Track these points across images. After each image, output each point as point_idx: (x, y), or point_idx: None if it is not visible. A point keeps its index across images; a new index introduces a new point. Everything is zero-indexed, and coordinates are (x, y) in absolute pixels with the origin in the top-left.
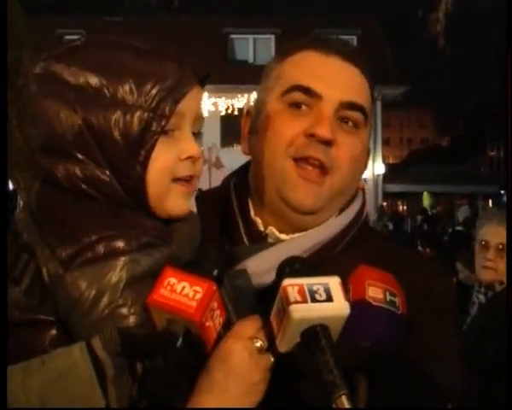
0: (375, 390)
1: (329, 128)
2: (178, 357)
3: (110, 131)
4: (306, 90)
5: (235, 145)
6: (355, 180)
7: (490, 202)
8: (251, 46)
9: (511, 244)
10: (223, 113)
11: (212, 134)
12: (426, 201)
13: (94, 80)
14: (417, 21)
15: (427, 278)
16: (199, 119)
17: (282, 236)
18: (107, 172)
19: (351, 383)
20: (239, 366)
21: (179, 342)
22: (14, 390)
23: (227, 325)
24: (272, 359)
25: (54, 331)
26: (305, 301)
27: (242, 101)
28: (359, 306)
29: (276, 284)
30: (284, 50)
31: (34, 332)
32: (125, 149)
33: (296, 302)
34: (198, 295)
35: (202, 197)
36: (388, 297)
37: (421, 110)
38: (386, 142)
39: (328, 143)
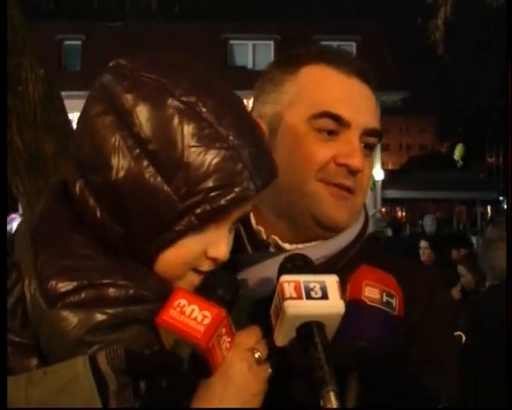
0: (366, 390)
1: (361, 158)
2: (182, 381)
3: (149, 186)
4: (337, 118)
5: None
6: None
7: (488, 208)
8: (250, 52)
9: (511, 244)
10: None
11: None
12: (458, 153)
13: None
14: (417, 28)
15: (428, 290)
16: (237, 221)
17: (286, 245)
18: (123, 229)
19: (342, 382)
20: (238, 378)
21: (185, 365)
22: (16, 400)
23: None
24: (270, 370)
25: (37, 356)
26: (300, 298)
27: None
28: (355, 305)
29: (277, 279)
30: (294, 60)
31: (18, 354)
32: (150, 217)
33: (291, 298)
34: (206, 320)
35: None
36: (385, 298)
37: (421, 116)
38: (385, 148)
39: (358, 172)
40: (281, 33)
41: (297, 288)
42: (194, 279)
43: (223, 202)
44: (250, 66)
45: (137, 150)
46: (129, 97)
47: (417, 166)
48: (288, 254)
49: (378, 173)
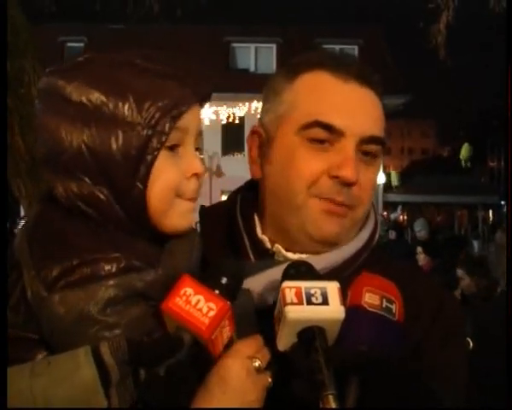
0: (366, 394)
1: (354, 170)
2: (180, 368)
3: (109, 148)
4: (328, 127)
5: (235, 154)
6: (370, 204)
7: (490, 212)
8: (252, 55)
9: (511, 244)
10: (224, 121)
11: (214, 142)
12: (464, 152)
13: (94, 97)
14: (419, 32)
15: (439, 298)
16: (200, 135)
17: (289, 254)
18: (105, 190)
19: (343, 385)
20: (237, 385)
21: (185, 351)
22: (21, 389)
23: (228, 343)
24: (270, 379)
25: (42, 350)
26: (300, 303)
27: (243, 109)
28: (355, 311)
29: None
30: (293, 67)
31: (21, 349)
32: (124, 166)
33: (292, 304)
34: (211, 313)
35: (206, 213)
36: (385, 304)
37: (423, 120)
38: (387, 151)
39: (352, 185)
40: (283, 36)
41: (298, 293)
42: (186, 205)
43: (174, 112)
44: (252, 69)
45: (84, 118)
46: (60, 82)
47: (419, 170)
48: (291, 262)
49: (379, 177)
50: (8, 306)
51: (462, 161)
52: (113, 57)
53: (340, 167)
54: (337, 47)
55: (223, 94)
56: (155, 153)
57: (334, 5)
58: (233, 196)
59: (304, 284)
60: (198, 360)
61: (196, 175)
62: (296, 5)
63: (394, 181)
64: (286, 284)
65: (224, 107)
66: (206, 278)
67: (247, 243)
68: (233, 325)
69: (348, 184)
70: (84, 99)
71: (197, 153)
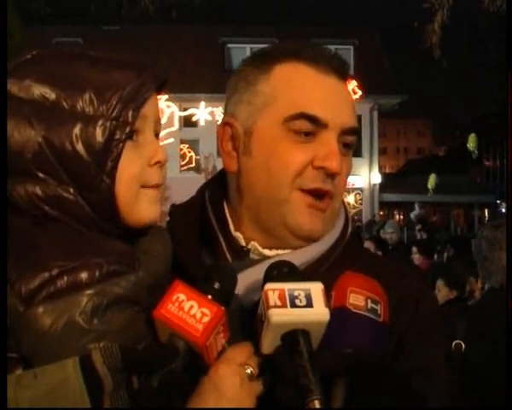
0: (353, 396)
1: (340, 161)
2: (174, 378)
3: (72, 145)
4: (313, 119)
5: None
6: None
7: (486, 211)
8: (248, 55)
9: (511, 244)
10: (219, 122)
11: (209, 143)
12: (472, 143)
13: (50, 93)
14: (414, 32)
15: (413, 297)
16: (159, 121)
17: (266, 251)
18: (71, 189)
19: (329, 388)
20: (230, 392)
21: (180, 360)
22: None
23: (222, 350)
24: (262, 386)
25: (19, 369)
26: (284, 306)
27: None
28: (339, 313)
29: (262, 286)
30: (267, 57)
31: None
32: (89, 161)
33: (275, 307)
34: (205, 319)
35: (177, 212)
36: (370, 305)
37: (418, 120)
38: (382, 151)
39: (336, 175)
40: (278, 37)
41: (281, 296)
42: (151, 194)
43: (135, 102)
44: None
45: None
46: (9, 82)
47: (415, 170)
48: (273, 261)
49: (375, 177)
50: None
51: (471, 152)
52: (63, 51)
53: (326, 158)
54: (332, 47)
55: (218, 95)
56: (120, 145)
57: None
58: (200, 192)
59: (287, 286)
60: (192, 368)
61: (159, 163)
62: (291, 6)
63: (432, 184)
64: (268, 286)
65: (220, 108)
66: (198, 282)
67: (222, 241)
68: (227, 331)
69: (333, 175)
70: (37, 96)
71: (156, 140)
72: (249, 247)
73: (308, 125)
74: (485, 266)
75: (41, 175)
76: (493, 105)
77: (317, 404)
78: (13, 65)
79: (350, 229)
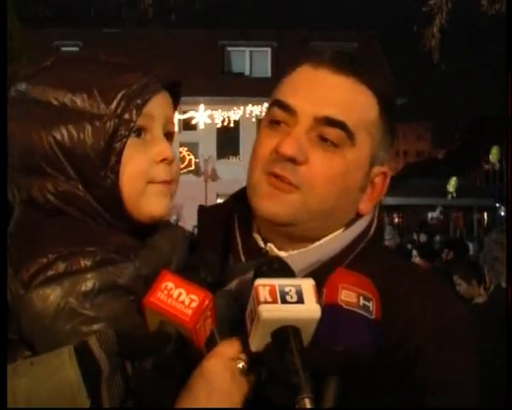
0: (345, 394)
1: (294, 145)
2: (167, 362)
3: (78, 143)
4: (284, 106)
5: (231, 157)
6: (342, 200)
7: (485, 214)
8: (247, 59)
9: (511, 244)
10: (219, 125)
11: (209, 146)
12: (495, 155)
13: (59, 96)
14: (413, 36)
15: (440, 302)
16: (170, 121)
17: (282, 253)
18: (80, 185)
19: (320, 386)
20: (221, 387)
21: (171, 344)
22: None
23: (210, 342)
24: (254, 380)
25: (23, 350)
26: (275, 302)
27: (238, 113)
28: (331, 309)
29: (252, 282)
30: (290, 68)
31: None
32: (94, 158)
33: (266, 302)
34: (194, 304)
35: (205, 211)
36: (362, 302)
37: (418, 123)
38: None
39: (293, 161)
40: (278, 40)
41: (272, 292)
42: (158, 188)
43: (138, 100)
44: (247, 72)
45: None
46: (27, 86)
47: (414, 173)
48: (264, 259)
49: None
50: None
51: (494, 164)
52: (76, 56)
53: (281, 142)
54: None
55: (218, 98)
56: (124, 140)
57: (328, 9)
58: (233, 196)
59: (277, 282)
60: (183, 353)
61: (166, 160)
62: (291, 9)
63: (451, 188)
64: (259, 281)
65: (219, 110)
66: (185, 271)
67: (240, 242)
68: (214, 316)
69: (290, 160)
70: (51, 99)
71: (165, 138)
72: (267, 248)
73: (280, 113)
74: (495, 267)
75: (51, 172)
76: (493, 108)
77: (307, 403)
78: (33, 70)
79: (373, 230)
